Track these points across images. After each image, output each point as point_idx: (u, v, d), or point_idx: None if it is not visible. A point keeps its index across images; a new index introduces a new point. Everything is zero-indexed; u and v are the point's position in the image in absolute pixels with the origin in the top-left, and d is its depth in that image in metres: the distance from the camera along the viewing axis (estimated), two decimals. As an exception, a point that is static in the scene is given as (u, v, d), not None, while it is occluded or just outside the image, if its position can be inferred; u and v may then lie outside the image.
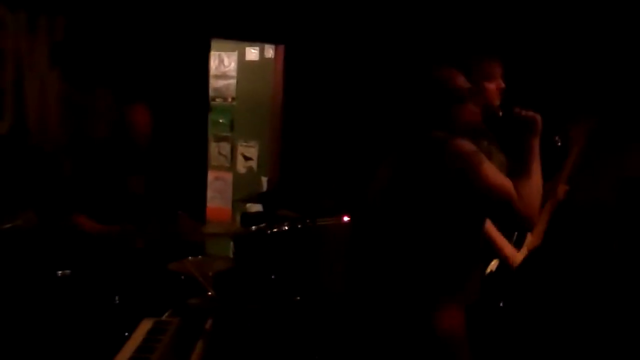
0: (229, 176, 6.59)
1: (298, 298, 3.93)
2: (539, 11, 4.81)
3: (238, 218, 6.17)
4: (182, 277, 3.71)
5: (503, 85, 3.13)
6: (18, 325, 3.56)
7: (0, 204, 3.87)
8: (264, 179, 6.28)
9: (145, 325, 2.72)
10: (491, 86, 3.09)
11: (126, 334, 2.80)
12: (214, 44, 5.69)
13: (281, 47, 6.01)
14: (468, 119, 2.53)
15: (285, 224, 4.05)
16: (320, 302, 3.97)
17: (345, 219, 4.37)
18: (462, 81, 2.54)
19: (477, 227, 2.52)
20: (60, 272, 3.70)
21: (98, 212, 3.96)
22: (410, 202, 2.42)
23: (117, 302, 3.66)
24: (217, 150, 6.57)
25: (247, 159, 6.48)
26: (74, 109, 4.68)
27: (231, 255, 4.70)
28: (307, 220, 4.14)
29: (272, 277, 3.93)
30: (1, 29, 4.31)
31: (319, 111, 5.80)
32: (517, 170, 2.42)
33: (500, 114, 2.67)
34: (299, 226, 4.09)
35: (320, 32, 5.72)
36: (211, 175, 6.25)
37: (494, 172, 2.34)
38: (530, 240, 3.43)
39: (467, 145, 2.38)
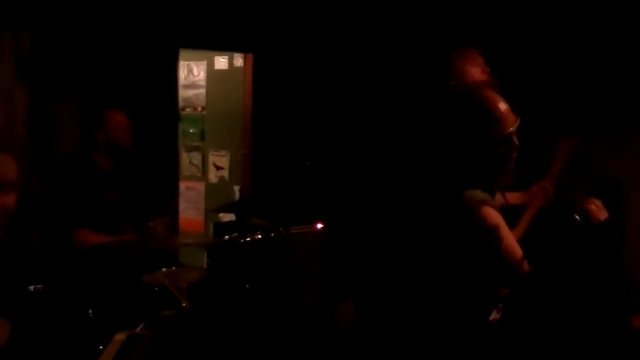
0: (201, 186, 6.57)
1: (272, 307, 3.93)
2: (530, 19, 4.81)
3: (210, 228, 6.16)
4: (156, 288, 3.69)
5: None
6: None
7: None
8: (236, 188, 6.27)
9: (119, 339, 2.70)
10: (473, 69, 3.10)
11: (100, 347, 2.78)
12: (183, 53, 5.68)
13: (250, 56, 6.02)
14: (509, 169, 2.55)
15: (258, 232, 4.04)
16: (295, 311, 3.98)
17: (319, 226, 4.37)
18: (508, 118, 2.50)
19: (485, 291, 2.57)
20: (32, 287, 3.67)
21: (74, 225, 3.97)
22: (427, 244, 2.51)
23: (91, 315, 3.63)
24: (188, 160, 6.56)
25: (218, 168, 6.47)
26: (41, 123, 4.65)
27: (205, 266, 4.68)
28: (280, 229, 4.13)
29: (246, 286, 3.92)
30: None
31: (289, 118, 5.81)
32: None
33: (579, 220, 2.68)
34: (272, 234, 4.08)
35: (289, 40, 5.73)
36: (183, 185, 6.24)
37: (512, 244, 2.44)
38: None
39: (494, 217, 2.44)
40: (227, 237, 4.10)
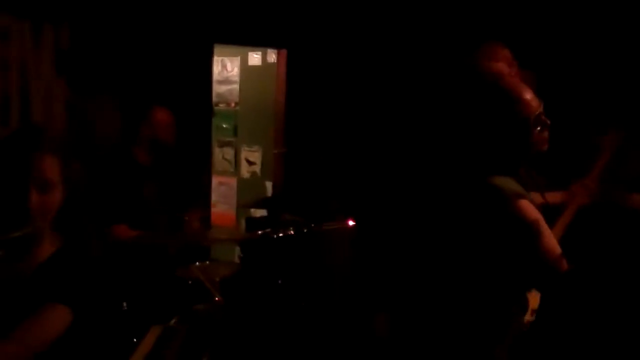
0: (233, 181, 6.61)
1: (304, 303, 3.95)
2: (568, 17, 4.76)
3: (242, 223, 6.19)
4: (189, 282, 3.74)
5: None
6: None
7: (7, 212, 3.90)
8: (268, 184, 6.30)
9: (154, 332, 2.74)
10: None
11: (134, 340, 2.82)
12: (217, 49, 5.71)
13: (283, 52, 6.03)
14: (538, 147, 2.43)
15: (291, 228, 4.06)
16: (326, 307, 4.00)
17: (350, 223, 4.38)
18: (532, 101, 2.39)
19: (520, 288, 2.52)
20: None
21: (113, 220, 4.01)
22: (459, 239, 2.40)
23: (125, 308, 3.68)
24: (221, 155, 6.60)
25: (250, 163, 6.50)
26: (80, 116, 4.70)
27: (237, 260, 4.72)
28: (312, 225, 4.16)
29: (279, 282, 3.95)
30: (6, 39, 4.33)
31: (322, 115, 5.82)
32: None
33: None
34: (305, 230, 4.10)
35: (323, 36, 5.73)
36: (215, 180, 6.28)
37: (550, 241, 2.32)
38: None
39: (531, 210, 2.33)
40: (259, 232, 4.14)
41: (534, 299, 3.27)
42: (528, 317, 3.12)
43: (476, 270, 2.39)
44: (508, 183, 2.37)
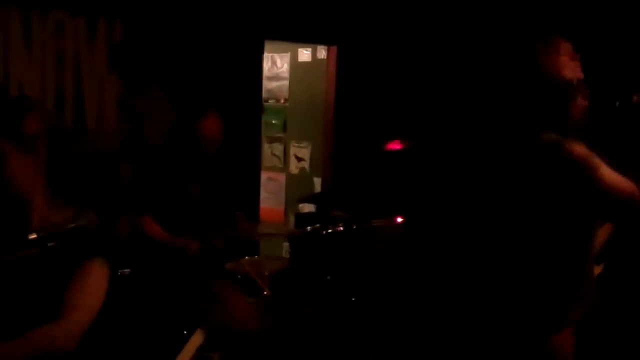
0: (281, 177, 6.63)
1: (353, 299, 3.93)
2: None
3: (290, 218, 6.21)
4: (239, 276, 3.75)
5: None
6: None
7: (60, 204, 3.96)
8: (317, 180, 6.30)
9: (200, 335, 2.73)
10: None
11: (185, 332, 2.83)
12: (267, 45, 5.72)
13: (333, 48, 6.02)
14: (578, 115, 2.37)
15: (340, 224, 4.05)
16: (375, 303, 3.97)
17: (399, 220, 4.36)
18: (571, 69, 2.35)
19: (590, 236, 2.39)
20: (119, 271, 3.76)
21: (158, 218, 4.02)
22: (520, 208, 2.31)
23: (172, 303, 3.70)
24: (270, 151, 6.62)
25: (299, 159, 6.51)
26: (132, 111, 4.75)
27: (286, 256, 4.72)
28: (362, 221, 4.14)
29: (328, 278, 3.94)
30: (61, 34, 4.39)
31: (371, 111, 5.80)
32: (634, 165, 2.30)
33: (617, 103, 2.55)
34: (354, 227, 4.09)
35: (373, 32, 5.71)
36: (264, 175, 6.30)
37: (611, 174, 2.23)
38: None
39: (581, 148, 2.25)
40: (309, 228, 4.14)
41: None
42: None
43: (544, 232, 2.28)
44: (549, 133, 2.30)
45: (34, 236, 1.84)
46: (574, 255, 2.31)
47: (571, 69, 2.35)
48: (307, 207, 5.93)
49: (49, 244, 1.85)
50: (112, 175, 4.58)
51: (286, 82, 6.57)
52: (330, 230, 4.02)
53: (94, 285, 2.07)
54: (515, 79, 2.39)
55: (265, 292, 3.48)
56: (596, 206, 2.24)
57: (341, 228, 4.04)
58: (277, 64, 6.58)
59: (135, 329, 3.59)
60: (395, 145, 4.80)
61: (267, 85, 6.42)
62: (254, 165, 5.67)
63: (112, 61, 4.63)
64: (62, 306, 2.00)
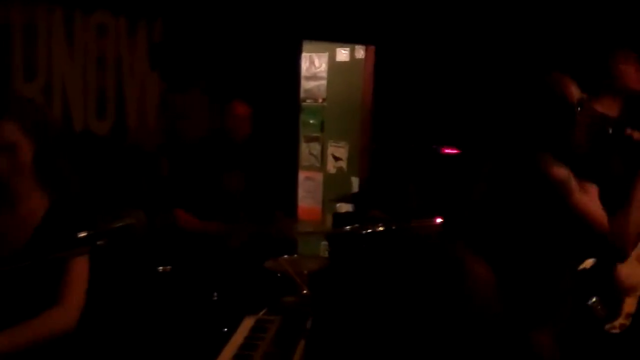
0: (319, 176, 6.64)
1: (391, 299, 3.93)
2: None
3: (328, 217, 6.21)
4: (278, 275, 3.75)
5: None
6: (121, 320, 3.67)
7: (104, 203, 4.01)
8: (354, 179, 6.30)
9: (248, 323, 2.75)
10: (630, 69, 2.95)
11: (225, 329, 2.85)
12: (305, 45, 5.74)
13: (372, 48, 6.02)
14: (577, 141, 2.47)
15: (380, 224, 4.04)
16: (414, 303, 3.96)
17: (438, 220, 4.33)
18: (574, 94, 2.44)
19: (565, 257, 2.50)
20: (161, 267, 3.80)
21: (195, 209, 4.06)
22: (504, 220, 2.46)
23: (216, 298, 3.73)
24: (307, 151, 6.63)
25: (337, 159, 6.51)
26: (172, 109, 4.79)
27: (324, 255, 4.73)
28: (402, 222, 4.12)
29: (367, 277, 3.94)
30: (104, 35, 4.44)
31: (409, 112, 5.78)
32: (618, 196, 2.39)
33: (610, 131, 2.58)
34: (393, 227, 4.07)
35: (411, 32, 5.69)
36: (302, 175, 6.31)
37: (586, 201, 2.33)
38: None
39: (561, 172, 2.36)
40: (348, 227, 4.13)
41: (629, 304, 3.17)
42: (622, 320, 3.03)
43: (528, 245, 2.44)
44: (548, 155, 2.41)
45: (83, 234, 1.87)
46: (550, 266, 2.44)
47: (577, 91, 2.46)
48: (344, 207, 5.92)
49: (98, 242, 1.88)
50: (154, 171, 4.63)
51: (324, 82, 6.57)
52: (370, 230, 4.01)
53: (81, 270, 2.24)
54: (527, 98, 2.51)
55: (304, 291, 3.47)
56: (567, 228, 2.36)
57: (381, 228, 4.03)
58: (315, 64, 6.59)
59: (178, 324, 3.63)
60: (451, 150, 4.79)
61: (305, 85, 6.42)
62: (292, 165, 5.69)
63: (152, 60, 4.67)
64: (58, 292, 2.18)
